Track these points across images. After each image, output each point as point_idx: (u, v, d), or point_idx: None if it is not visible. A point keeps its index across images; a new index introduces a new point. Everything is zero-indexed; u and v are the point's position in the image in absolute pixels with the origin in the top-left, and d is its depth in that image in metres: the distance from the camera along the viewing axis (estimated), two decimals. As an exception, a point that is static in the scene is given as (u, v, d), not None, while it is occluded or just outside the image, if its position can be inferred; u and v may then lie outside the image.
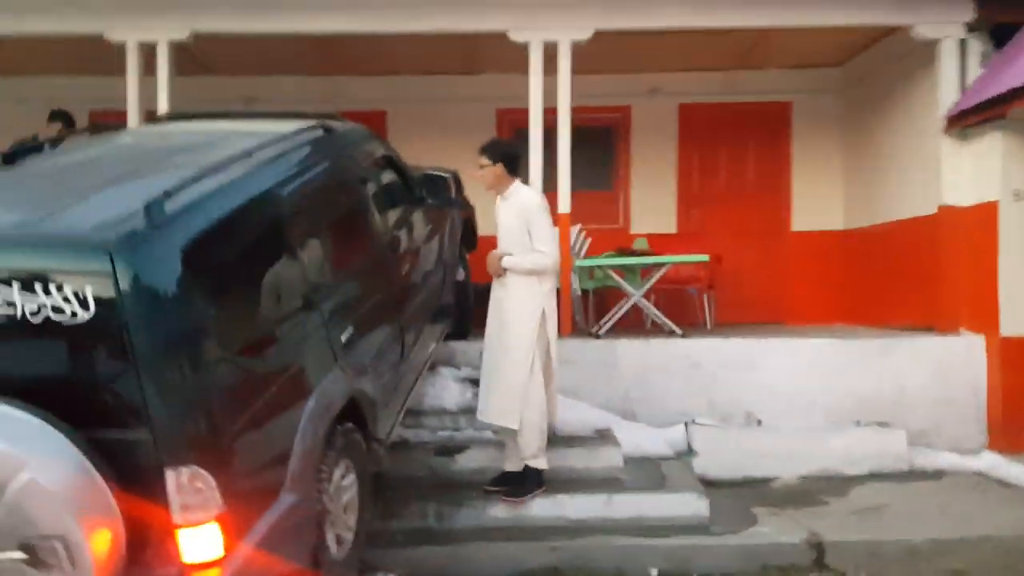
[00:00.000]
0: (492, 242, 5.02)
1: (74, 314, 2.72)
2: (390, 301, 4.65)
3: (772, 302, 8.70)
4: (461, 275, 6.45)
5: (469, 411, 5.57)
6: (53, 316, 2.73)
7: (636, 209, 8.96)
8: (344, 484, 3.80)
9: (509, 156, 4.74)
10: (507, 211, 4.75)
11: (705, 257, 6.81)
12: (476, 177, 4.84)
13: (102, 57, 7.16)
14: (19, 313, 2.73)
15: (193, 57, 7.17)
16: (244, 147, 3.70)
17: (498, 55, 7.71)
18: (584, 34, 6.52)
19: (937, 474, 5.77)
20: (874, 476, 5.63)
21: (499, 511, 4.70)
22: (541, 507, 4.66)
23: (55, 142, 4.38)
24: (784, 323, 8.35)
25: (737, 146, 8.99)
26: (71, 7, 6.52)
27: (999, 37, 6.51)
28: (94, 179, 3.44)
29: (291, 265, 3.64)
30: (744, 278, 8.62)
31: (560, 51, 6.55)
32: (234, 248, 3.26)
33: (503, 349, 4.69)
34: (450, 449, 5.27)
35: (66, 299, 2.72)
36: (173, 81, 6.66)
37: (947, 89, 6.58)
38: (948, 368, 6.29)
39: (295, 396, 3.42)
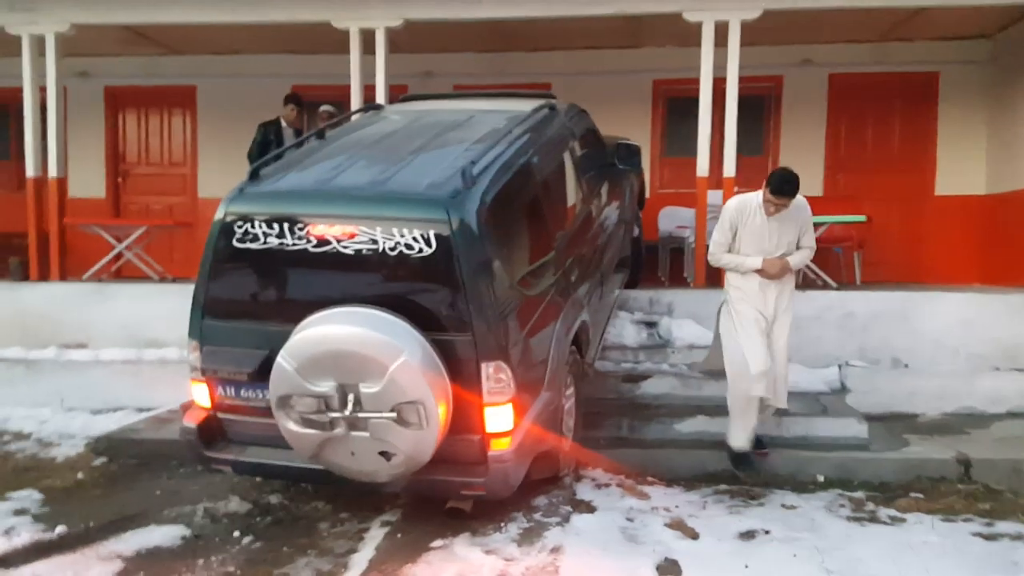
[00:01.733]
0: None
1: (420, 250, 3.79)
2: (595, 251, 5.60)
3: (913, 262, 9.14)
4: (636, 232, 7.32)
5: (645, 347, 6.57)
6: (404, 251, 3.80)
7: (784, 173, 9.51)
8: (568, 394, 4.81)
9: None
10: (785, 222, 5.05)
11: (863, 217, 7.38)
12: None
13: (306, 39, 8.18)
14: (380, 248, 3.83)
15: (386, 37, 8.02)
16: (501, 124, 4.71)
17: (658, 30, 8.39)
18: (754, 13, 7.14)
19: (1072, 414, 6.24)
20: (1013, 415, 6.18)
21: (683, 427, 5.60)
22: (722, 426, 5.42)
23: (341, 121, 5.46)
24: (924, 282, 8.71)
25: (884, 114, 9.42)
26: (305, -1, 7.66)
27: None
28: (400, 150, 4.49)
29: (541, 217, 4.65)
30: (887, 239, 9.07)
31: (731, 29, 7.18)
32: (511, 204, 4.27)
33: (783, 337, 5.26)
34: (634, 377, 6.22)
35: (415, 239, 3.79)
36: (388, 61, 7.72)
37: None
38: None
39: (549, 319, 4.43)
